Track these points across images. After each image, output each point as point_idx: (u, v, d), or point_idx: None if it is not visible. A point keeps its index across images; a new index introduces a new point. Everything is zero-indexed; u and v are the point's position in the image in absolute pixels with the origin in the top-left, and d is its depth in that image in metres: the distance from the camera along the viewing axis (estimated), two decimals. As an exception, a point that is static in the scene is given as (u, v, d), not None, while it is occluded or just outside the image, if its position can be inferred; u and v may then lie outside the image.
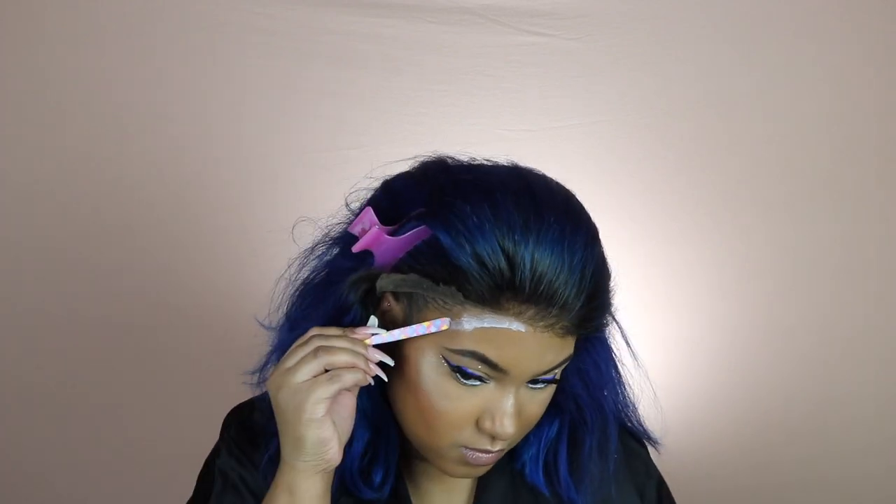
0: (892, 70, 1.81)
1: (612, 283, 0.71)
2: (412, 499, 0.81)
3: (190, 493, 0.85)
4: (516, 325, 0.66)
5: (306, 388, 0.68)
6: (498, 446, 0.72)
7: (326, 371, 0.68)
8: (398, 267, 0.70)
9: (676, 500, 0.90)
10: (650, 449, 0.88)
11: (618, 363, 0.80)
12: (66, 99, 1.65)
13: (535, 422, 0.74)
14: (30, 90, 1.64)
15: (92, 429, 1.67)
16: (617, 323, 0.78)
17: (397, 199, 0.73)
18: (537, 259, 0.65)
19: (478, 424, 0.71)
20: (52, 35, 1.64)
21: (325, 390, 0.67)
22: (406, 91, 1.70)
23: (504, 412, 0.70)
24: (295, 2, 1.66)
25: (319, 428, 0.68)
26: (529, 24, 1.71)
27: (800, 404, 1.82)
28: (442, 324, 0.68)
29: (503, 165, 0.74)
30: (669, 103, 1.77)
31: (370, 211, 0.71)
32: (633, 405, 0.83)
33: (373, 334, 0.71)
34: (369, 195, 0.77)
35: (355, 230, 0.72)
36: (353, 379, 0.68)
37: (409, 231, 0.69)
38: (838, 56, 1.79)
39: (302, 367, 0.68)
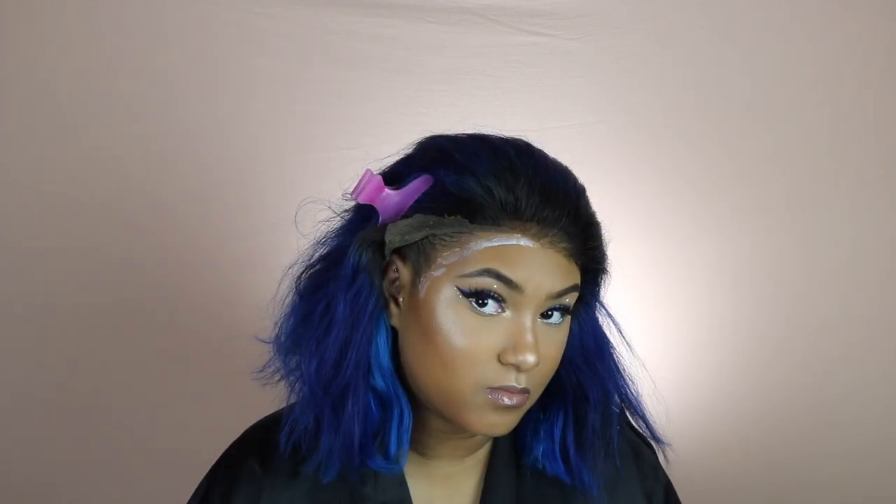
0: (893, 70, 1.81)
1: (603, 229, 0.76)
2: (413, 500, 0.81)
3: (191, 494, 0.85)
4: (524, 241, 0.70)
5: None
6: (523, 381, 0.72)
7: None
8: (403, 216, 0.72)
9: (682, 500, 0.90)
10: (659, 452, 0.88)
11: (609, 337, 0.82)
12: (66, 99, 1.65)
13: (553, 361, 0.75)
14: (29, 91, 1.64)
15: (94, 429, 1.67)
16: (610, 316, 0.81)
17: (395, 172, 0.76)
18: (534, 184, 0.71)
19: (500, 360, 0.71)
20: (51, 36, 1.64)
21: None
22: (406, 91, 1.70)
23: (524, 339, 0.71)
24: (295, 2, 1.66)
25: None
26: (529, 24, 1.71)
27: (801, 405, 1.82)
28: None
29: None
30: (669, 103, 1.77)
31: (367, 169, 0.74)
32: (637, 397, 0.83)
33: None
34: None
35: (355, 192, 0.75)
36: None
37: (411, 182, 0.72)
38: (838, 56, 1.79)
39: None
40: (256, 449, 0.82)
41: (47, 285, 1.66)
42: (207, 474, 0.85)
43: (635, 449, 0.88)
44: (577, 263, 0.73)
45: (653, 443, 0.86)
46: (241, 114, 1.69)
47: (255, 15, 1.65)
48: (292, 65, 1.68)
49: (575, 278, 0.73)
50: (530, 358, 0.70)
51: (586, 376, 0.80)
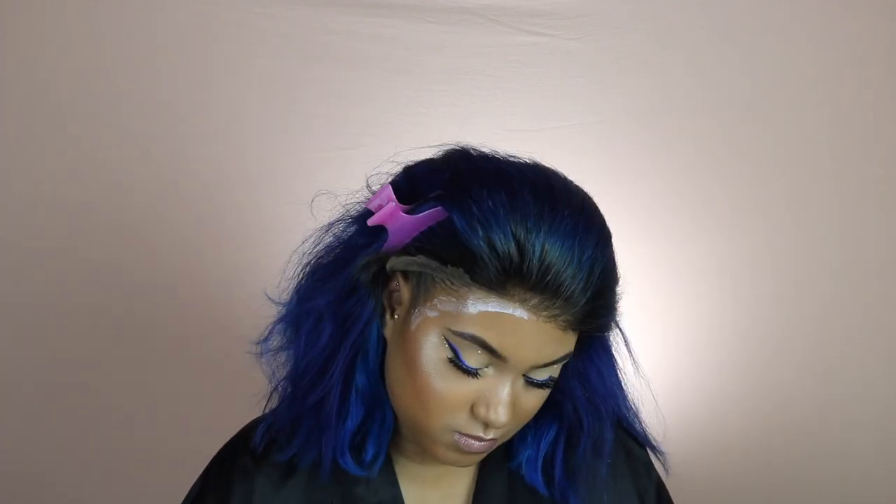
0: (893, 70, 1.80)
1: (619, 288, 0.72)
2: (406, 501, 0.81)
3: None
4: (520, 312, 0.67)
5: None
6: (490, 434, 0.72)
7: None
8: (409, 248, 0.71)
9: (675, 501, 0.90)
10: (657, 462, 0.88)
11: (620, 373, 0.81)
12: (67, 100, 1.65)
13: (528, 418, 0.75)
14: (30, 91, 1.64)
15: (96, 429, 1.67)
16: (621, 330, 0.78)
17: (417, 182, 0.74)
18: (547, 248, 0.66)
19: (472, 410, 0.71)
20: (51, 36, 1.64)
21: None
22: (406, 91, 1.70)
23: (499, 400, 0.70)
24: (295, 2, 1.66)
25: None
26: (529, 24, 1.71)
27: (801, 405, 1.82)
28: None
29: (525, 160, 0.75)
30: (669, 103, 1.77)
31: (388, 188, 0.73)
32: (636, 413, 0.83)
33: None
34: (390, 178, 0.77)
35: (372, 205, 0.73)
36: None
37: (425, 211, 0.70)
38: (838, 55, 1.79)
39: None
40: (250, 448, 0.83)
41: (46, 285, 1.66)
42: (201, 475, 0.86)
43: (627, 448, 0.88)
44: (574, 332, 0.70)
45: (652, 454, 0.86)
46: (241, 114, 1.69)
47: (255, 15, 1.65)
48: (292, 65, 1.68)
49: (568, 347, 0.71)
50: (503, 417, 0.70)
51: (584, 409, 0.80)
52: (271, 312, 0.80)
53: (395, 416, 0.77)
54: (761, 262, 1.80)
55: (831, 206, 1.81)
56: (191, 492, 0.85)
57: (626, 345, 0.79)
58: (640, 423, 0.84)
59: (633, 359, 0.80)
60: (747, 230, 1.80)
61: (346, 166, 1.64)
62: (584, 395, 0.79)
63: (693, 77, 1.77)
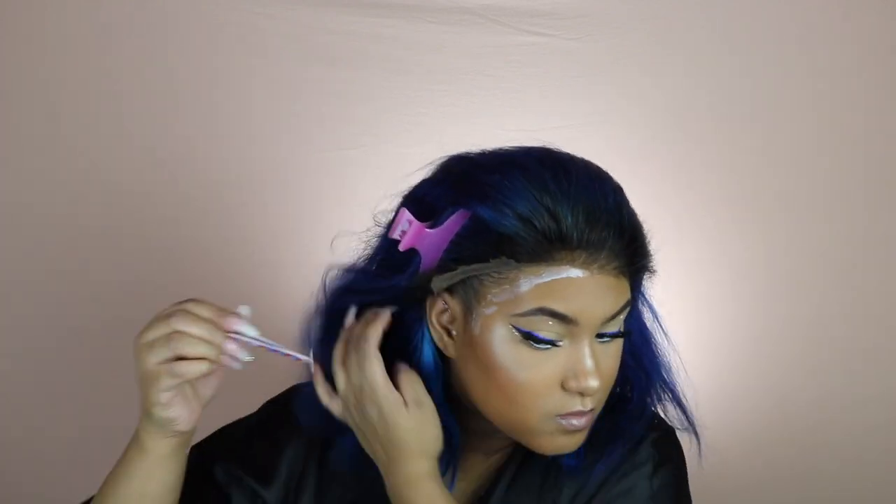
0: (893, 70, 1.80)
1: (645, 228, 0.75)
2: None
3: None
4: (574, 272, 0.69)
5: (152, 375, 0.70)
6: (589, 404, 0.72)
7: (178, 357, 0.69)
8: (445, 262, 0.70)
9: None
10: (691, 442, 0.87)
11: (654, 330, 0.82)
12: (66, 100, 1.65)
13: (613, 376, 0.75)
14: (30, 92, 1.65)
15: (97, 430, 1.67)
16: (652, 309, 0.81)
17: (424, 202, 0.74)
18: (576, 207, 0.68)
19: (563, 387, 0.71)
20: (50, 36, 1.64)
21: (168, 382, 0.70)
22: (406, 91, 1.69)
23: (585, 365, 0.71)
24: (295, 2, 1.66)
25: (164, 410, 0.72)
26: (529, 24, 1.71)
27: (800, 405, 1.82)
28: (301, 357, 0.72)
29: (513, 146, 0.76)
30: (669, 103, 1.77)
31: (405, 211, 0.73)
32: (679, 387, 0.84)
33: (237, 331, 0.71)
34: (394, 210, 0.77)
35: (395, 234, 0.73)
36: (197, 371, 0.70)
37: (447, 219, 0.70)
38: (839, 56, 1.79)
39: (152, 351, 0.69)
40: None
41: (47, 285, 1.66)
42: (265, 405, 0.88)
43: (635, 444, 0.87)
44: (626, 277, 0.72)
45: (687, 433, 0.86)
46: (241, 114, 1.69)
47: (255, 15, 1.65)
48: (292, 65, 1.68)
49: (626, 294, 0.73)
50: (593, 383, 0.71)
51: (632, 371, 0.80)
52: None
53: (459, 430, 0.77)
54: (761, 261, 1.80)
55: (832, 205, 1.81)
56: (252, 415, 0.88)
57: (653, 312, 0.81)
58: (679, 393, 0.85)
59: (662, 327, 0.82)
60: (747, 230, 1.80)
61: (346, 166, 1.65)
62: (631, 356, 0.80)
63: (693, 77, 1.77)
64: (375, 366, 0.73)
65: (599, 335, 0.72)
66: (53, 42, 1.64)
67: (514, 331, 0.70)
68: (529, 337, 0.69)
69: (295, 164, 1.68)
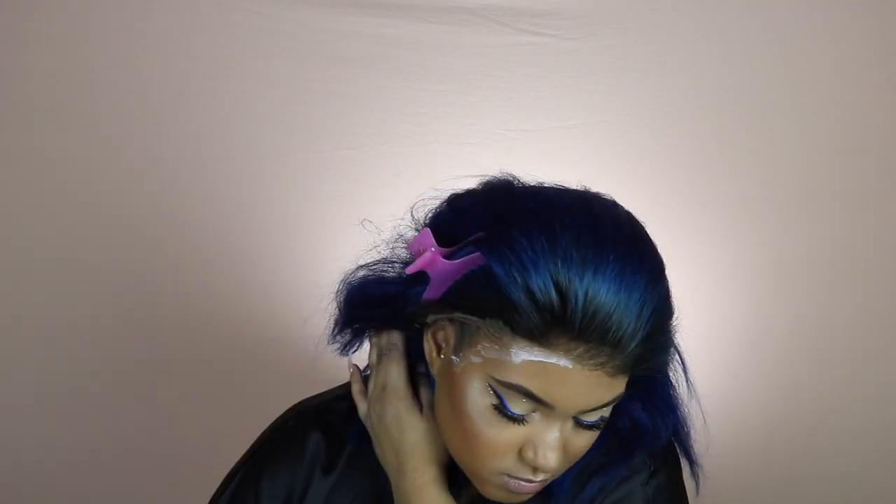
0: (893, 70, 1.80)
1: (673, 322, 0.70)
2: None
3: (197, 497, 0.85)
4: (564, 362, 0.65)
5: None
6: (540, 477, 0.71)
7: None
8: (448, 296, 0.70)
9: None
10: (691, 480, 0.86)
11: (678, 380, 0.79)
12: (66, 100, 1.65)
13: (579, 457, 0.73)
14: (31, 93, 1.65)
15: (101, 429, 1.68)
16: (679, 354, 0.77)
17: (461, 218, 0.72)
18: (591, 296, 0.63)
19: (520, 454, 0.70)
20: (50, 35, 1.64)
21: None
22: (406, 91, 1.70)
23: (547, 445, 0.69)
24: (295, 2, 1.66)
25: None
26: (529, 24, 1.71)
27: (801, 405, 1.82)
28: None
29: (570, 191, 0.72)
30: (669, 103, 1.77)
31: (428, 233, 0.71)
32: (688, 430, 0.82)
33: None
34: (432, 213, 0.77)
35: (413, 249, 0.73)
36: None
37: (463, 256, 0.68)
38: (839, 56, 1.79)
39: None
40: (321, 427, 0.84)
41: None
42: (248, 454, 0.85)
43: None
44: (626, 375, 0.68)
45: (692, 469, 0.84)
46: (241, 114, 1.69)
47: (255, 15, 1.66)
48: (293, 65, 1.68)
49: (618, 389, 0.69)
50: (551, 463, 0.69)
51: (644, 422, 0.78)
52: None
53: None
54: (761, 261, 1.80)
55: (832, 206, 1.81)
56: (231, 475, 0.86)
57: (684, 368, 0.78)
58: (689, 441, 0.83)
59: (690, 382, 0.79)
60: (747, 230, 1.80)
61: (346, 166, 1.65)
62: (644, 413, 0.78)
63: (693, 77, 1.77)
64: (397, 370, 0.77)
65: (577, 419, 0.70)
66: (54, 42, 1.64)
67: (490, 390, 0.68)
68: (501, 404, 0.68)
69: (295, 164, 1.69)
